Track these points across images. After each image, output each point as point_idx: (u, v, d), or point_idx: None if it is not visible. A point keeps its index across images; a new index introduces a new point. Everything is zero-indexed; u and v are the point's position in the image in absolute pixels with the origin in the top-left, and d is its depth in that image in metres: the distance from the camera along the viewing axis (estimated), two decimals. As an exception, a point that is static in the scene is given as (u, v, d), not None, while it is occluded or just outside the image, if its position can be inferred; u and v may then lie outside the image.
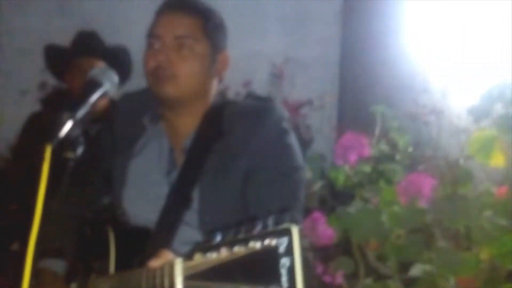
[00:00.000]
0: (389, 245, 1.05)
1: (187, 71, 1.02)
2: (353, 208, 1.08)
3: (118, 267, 0.95)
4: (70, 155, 0.77)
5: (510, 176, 0.95)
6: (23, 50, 2.82)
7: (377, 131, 1.89)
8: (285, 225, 0.65)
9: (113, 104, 1.18)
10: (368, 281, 1.07)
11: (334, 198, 1.48)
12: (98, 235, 1.02)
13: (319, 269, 1.06)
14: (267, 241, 0.64)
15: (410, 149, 1.63)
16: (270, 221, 0.66)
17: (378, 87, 2.55)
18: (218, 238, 0.68)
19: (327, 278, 1.06)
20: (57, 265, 1.06)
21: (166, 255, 0.80)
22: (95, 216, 1.07)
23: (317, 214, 1.07)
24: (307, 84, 3.12)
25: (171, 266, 0.75)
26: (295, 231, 0.64)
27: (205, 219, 1.00)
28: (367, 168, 1.83)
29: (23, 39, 2.97)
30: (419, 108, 1.32)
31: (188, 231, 1.00)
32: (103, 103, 1.37)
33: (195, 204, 1.01)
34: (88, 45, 1.75)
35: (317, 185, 1.76)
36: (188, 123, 1.06)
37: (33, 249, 0.68)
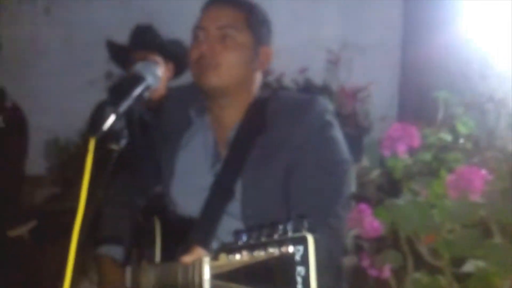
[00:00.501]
0: (441, 240, 1.01)
1: (230, 60, 1.03)
2: (402, 200, 1.04)
3: (164, 255, 0.99)
4: (114, 147, 0.80)
5: None
6: (89, 42, 2.98)
7: (439, 117, 1.81)
8: (301, 233, 0.65)
9: (164, 96, 1.23)
10: (418, 275, 1.04)
11: (392, 188, 1.44)
12: (148, 223, 1.07)
13: (365, 262, 1.05)
14: (284, 248, 0.65)
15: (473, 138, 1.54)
16: (289, 226, 0.66)
17: (440, 73, 2.43)
18: (243, 239, 0.70)
19: (373, 272, 1.04)
20: (115, 251, 1.12)
21: (198, 252, 0.82)
22: (147, 205, 1.12)
23: (363, 206, 1.05)
24: (365, 70, 3.04)
25: (199, 264, 0.77)
26: (310, 239, 0.64)
27: (247, 211, 1.01)
28: (427, 157, 1.76)
29: (89, 31, 3.14)
30: (476, 97, 1.25)
31: (232, 222, 1.02)
32: (160, 92, 1.42)
33: (237, 196, 1.02)
34: (144, 39, 1.82)
35: (375, 174, 1.72)
36: (232, 116, 1.08)
37: (78, 238, 0.73)
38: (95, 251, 1.12)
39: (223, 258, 0.72)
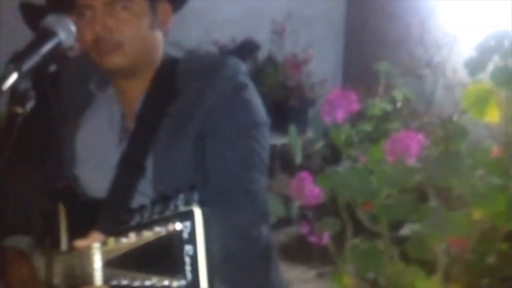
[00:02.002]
0: (378, 205, 1.02)
1: (131, 36, 0.93)
2: (341, 167, 1.04)
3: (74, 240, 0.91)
4: (18, 110, 0.72)
5: (504, 132, 0.90)
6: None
7: (380, 89, 1.83)
8: (187, 208, 0.58)
9: (64, 64, 1.11)
10: (356, 241, 1.05)
11: (335, 156, 1.44)
12: (54, 209, 0.98)
13: (305, 229, 1.04)
14: (171, 226, 0.58)
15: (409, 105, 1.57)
16: (180, 200, 0.59)
17: (381, 42, 2.46)
18: (135, 219, 0.63)
19: (313, 239, 1.03)
20: (22, 242, 1.03)
21: (94, 236, 0.75)
22: (54, 189, 1.03)
23: (304, 174, 1.04)
24: (310, 41, 3.03)
25: (89, 251, 0.71)
26: (197, 213, 0.58)
27: (159, 187, 0.93)
28: (368, 127, 1.78)
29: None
30: (414, 61, 1.26)
31: (144, 201, 0.91)
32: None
33: (148, 172, 0.94)
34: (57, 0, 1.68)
35: (319, 145, 1.72)
36: (139, 86, 0.99)
37: None
38: (0, 243, 1.02)
39: (111, 242, 0.66)
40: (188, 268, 0.57)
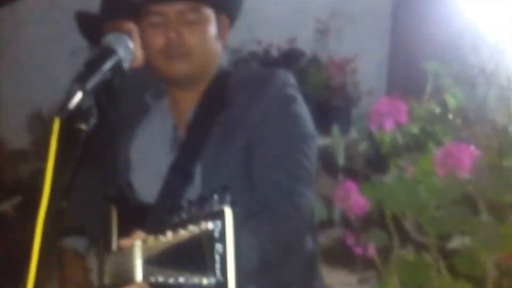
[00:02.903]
0: (427, 217, 1.00)
1: (201, 45, 0.97)
2: (388, 177, 1.02)
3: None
4: (82, 126, 0.75)
5: None
6: (73, 11, 2.89)
7: (428, 89, 1.78)
8: (219, 207, 0.60)
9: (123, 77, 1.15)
10: (403, 253, 1.03)
11: (380, 162, 1.42)
12: (107, 212, 1.02)
13: (350, 240, 1.03)
14: (203, 225, 0.60)
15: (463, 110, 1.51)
16: (214, 201, 0.61)
17: (430, 43, 2.38)
18: (175, 219, 0.65)
19: (358, 250, 1.03)
20: (78, 243, 1.08)
21: (137, 235, 0.77)
22: (110, 194, 1.07)
23: (349, 183, 1.03)
24: (355, 40, 2.98)
25: (131, 248, 0.74)
26: (228, 213, 0.60)
27: (206, 195, 0.97)
28: (414, 129, 1.74)
29: (74, 1, 3.02)
30: (467, 68, 1.21)
31: None
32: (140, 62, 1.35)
33: (196, 180, 0.97)
34: (115, 7, 1.74)
35: (363, 146, 1.70)
36: (192, 96, 1.02)
37: (43, 227, 0.69)
38: (58, 244, 1.08)
39: (151, 240, 0.69)
40: (217, 266, 0.59)
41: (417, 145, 1.30)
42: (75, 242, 1.08)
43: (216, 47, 1.01)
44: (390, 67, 3.12)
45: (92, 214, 1.08)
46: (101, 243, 1.03)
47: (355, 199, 1.02)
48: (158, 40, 0.97)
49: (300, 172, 0.96)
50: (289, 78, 1.01)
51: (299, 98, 1.01)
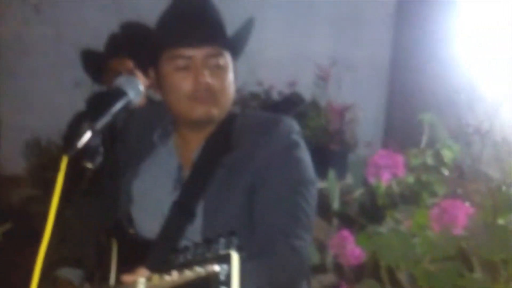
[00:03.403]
0: (421, 270, 1.00)
1: (226, 91, 1.01)
2: (384, 228, 1.03)
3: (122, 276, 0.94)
4: (88, 165, 0.77)
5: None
6: (78, 43, 2.96)
7: (423, 140, 1.81)
8: (225, 251, 0.62)
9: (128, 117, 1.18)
10: (396, 305, 1.03)
11: (375, 207, 1.43)
12: (107, 245, 1.03)
13: (344, 290, 1.03)
14: (209, 267, 0.62)
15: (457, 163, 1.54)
16: (220, 244, 0.64)
17: (427, 96, 2.45)
18: (179, 258, 0.67)
19: (351, 300, 1.02)
20: (73, 274, 1.08)
21: (140, 272, 0.79)
22: (110, 227, 1.08)
23: (345, 233, 1.04)
24: (354, 87, 3.05)
25: (134, 285, 0.74)
26: (235, 258, 0.62)
27: (207, 235, 0.95)
28: (410, 179, 1.76)
29: (78, 31, 3.10)
30: (463, 126, 1.25)
31: None
32: (141, 102, 1.39)
33: (198, 219, 0.98)
34: (120, 46, 1.79)
35: (358, 192, 1.71)
36: (200, 137, 1.04)
37: (44, 258, 0.69)
38: (54, 273, 1.07)
39: (155, 278, 0.69)
40: None
41: (412, 195, 1.31)
42: (70, 273, 1.08)
43: (233, 90, 1.05)
44: (387, 116, 3.18)
45: (89, 245, 1.09)
46: (97, 276, 1.03)
47: (350, 248, 1.03)
48: (186, 83, 0.99)
49: (300, 216, 0.98)
50: (294, 125, 1.04)
51: (302, 145, 1.04)
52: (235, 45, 1.04)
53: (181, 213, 0.98)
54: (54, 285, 1.06)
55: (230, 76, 1.03)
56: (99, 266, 1.03)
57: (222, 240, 0.64)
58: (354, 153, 2.93)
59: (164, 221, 0.99)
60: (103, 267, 1.01)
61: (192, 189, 1.00)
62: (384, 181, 1.00)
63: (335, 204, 1.42)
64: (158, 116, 1.06)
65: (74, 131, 0.77)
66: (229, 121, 1.05)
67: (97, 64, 1.82)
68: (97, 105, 0.83)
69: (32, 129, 3.08)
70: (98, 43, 2.00)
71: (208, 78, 0.99)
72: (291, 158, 1.00)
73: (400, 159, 0.97)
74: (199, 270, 0.63)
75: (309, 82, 3.05)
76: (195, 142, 1.04)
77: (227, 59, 1.02)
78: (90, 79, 2.85)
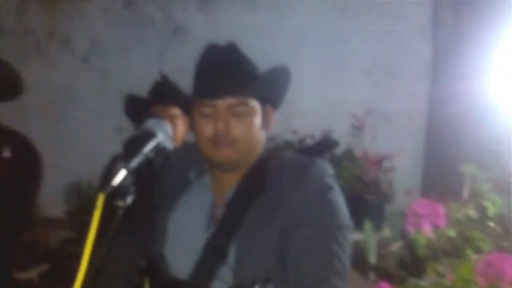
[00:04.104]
0: (467, 329, 0.94)
1: (246, 135, 1.04)
2: (426, 282, 0.99)
3: None
4: (120, 203, 0.79)
5: None
6: (123, 92, 3.11)
7: (465, 193, 1.75)
8: None
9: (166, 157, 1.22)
10: None
11: (415, 263, 1.37)
12: (139, 284, 1.03)
13: None
14: None
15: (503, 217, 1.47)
16: None
17: (467, 147, 2.39)
18: None
19: None
20: None
21: None
22: (143, 265, 1.09)
23: (384, 285, 1.00)
24: (390, 137, 3.02)
25: None
26: None
27: (239, 275, 0.96)
28: (452, 233, 1.69)
29: (123, 81, 3.25)
30: (507, 176, 1.21)
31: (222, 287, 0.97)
32: (177, 145, 1.43)
33: (230, 259, 0.98)
34: (163, 94, 1.87)
35: (396, 246, 1.65)
36: (234, 177, 1.07)
37: None
38: None
39: None
40: None
41: (453, 249, 1.26)
42: None
43: (260, 135, 1.07)
44: (425, 167, 3.11)
45: (123, 284, 1.10)
46: None
47: (389, 302, 0.98)
48: (208, 129, 1.05)
49: (334, 262, 0.95)
50: (328, 168, 1.05)
51: (336, 188, 1.03)
52: (261, 93, 1.06)
53: (213, 253, 0.99)
54: None
55: (256, 121, 1.05)
56: None
57: (258, 286, 0.64)
58: (390, 204, 2.86)
59: (197, 261, 1.00)
60: None
61: (225, 228, 1.01)
62: (424, 231, 0.97)
63: (372, 258, 1.37)
64: (195, 156, 1.10)
65: (110, 171, 0.80)
66: (263, 163, 1.06)
67: (139, 109, 1.90)
68: (130, 147, 0.86)
69: (74, 173, 3.19)
70: (141, 92, 2.10)
71: (229, 125, 1.03)
72: (324, 201, 1.00)
73: (441, 208, 0.94)
74: None
75: (344, 131, 3.04)
76: (229, 182, 1.07)
77: (252, 106, 1.05)
78: (131, 125, 2.96)
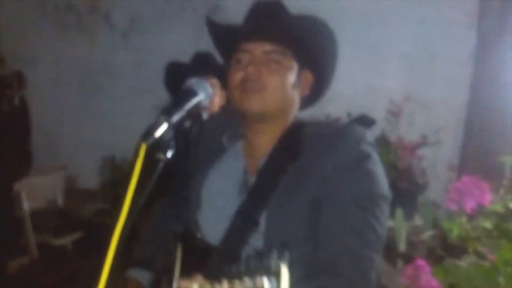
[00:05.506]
0: (505, 311, 0.91)
1: (275, 84, 0.99)
2: (465, 262, 0.96)
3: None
4: (161, 157, 0.79)
5: None
6: (159, 69, 3.15)
7: (504, 183, 1.69)
8: (276, 264, 0.62)
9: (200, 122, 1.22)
10: None
11: (445, 251, 1.35)
12: (173, 249, 1.03)
13: (417, 323, 0.96)
14: (258, 280, 0.62)
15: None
16: (272, 257, 0.63)
17: (507, 138, 2.31)
18: (233, 269, 0.67)
19: (425, 335, 0.95)
20: (143, 276, 1.09)
21: (197, 279, 0.78)
22: (178, 230, 1.08)
23: (421, 262, 0.98)
24: (427, 125, 2.95)
25: None
26: (284, 271, 0.61)
27: (270, 243, 0.94)
28: (487, 224, 1.64)
29: (160, 58, 3.29)
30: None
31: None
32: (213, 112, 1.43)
33: (261, 227, 0.96)
34: (203, 64, 1.88)
35: (427, 234, 1.62)
36: (266, 142, 1.03)
37: (114, 257, 0.71)
38: (124, 272, 1.09)
39: (207, 286, 0.70)
40: None
41: (488, 241, 1.22)
42: (140, 274, 1.09)
43: (292, 94, 1.02)
44: (462, 158, 3.03)
45: (160, 249, 1.10)
46: (164, 280, 1.04)
47: (426, 280, 0.96)
48: (238, 74, 1.01)
49: (370, 237, 0.92)
50: (366, 135, 0.99)
51: (374, 156, 0.97)
52: (300, 47, 1.00)
53: (245, 221, 0.97)
54: (124, 285, 1.09)
55: (290, 77, 1.00)
56: (166, 269, 1.04)
57: (274, 253, 0.63)
58: (422, 194, 2.80)
59: (228, 228, 0.98)
60: (169, 271, 1.02)
61: (256, 196, 0.98)
62: (467, 209, 0.94)
63: (402, 245, 1.34)
64: (229, 120, 1.07)
65: (152, 125, 0.81)
66: (297, 128, 1.02)
67: (180, 76, 1.91)
68: (172, 103, 0.86)
69: (109, 147, 3.27)
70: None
71: (260, 71, 0.98)
72: (360, 170, 0.94)
73: (486, 186, 0.91)
74: (248, 282, 0.63)
75: (379, 117, 2.99)
76: (262, 147, 1.03)
77: (288, 60, 1.01)
78: (168, 101, 2.97)
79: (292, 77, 1.01)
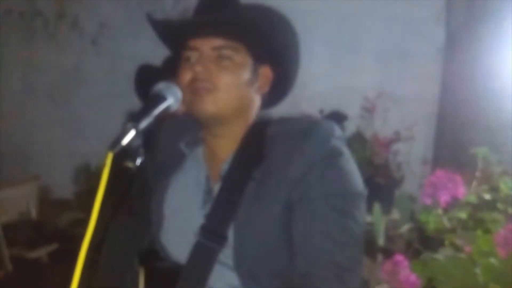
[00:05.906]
0: (483, 301, 0.93)
1: (227, 83, 0.90)
2: (442, 255, 0.97)
3: None
4: (129, 165, 0.77)
5: None
6: (131, 74, 3.09)
7: (477, 175, 1.73)
8: None
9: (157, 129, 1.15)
10: None
11: (422, 244, 1.36)
12: (137, 269, 0.96)
13: (398, 318, 0.97)
14: None
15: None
16: None
17: (478, 130, 2.36)
18: None
19: (406, 330, 0.95)
20: None
21: None
22: (142, 250, 0.99)
23: (399, 257, 0.98)
24: (401, 120, 2.99)
25: None
26: None
27: (240, 259, 0.87)
28: (463, 215, 1.68)
29: (132, 64, 3.23)
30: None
31: (224, 272, 0.88)
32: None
33: (229, 241, 0.88)
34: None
35: (405, 228, 1.64)
36: (227, 146, 0.94)
37: (86, 258, 0.68)
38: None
39: None
40: None
41: (464, 231, 1.24)
42: None
43: (248, 92, 0.93)
44: (435, 151, 3.08)
45: (123, 270, 1.01)
46: None
47: (405, 274, 0.97)
48: (187, 74, 0.92)
49: (349, 241, 0.86)
50: (333, 129, 0.90)
51: (345, 152, 0.90)
52: (253, 39, 0.90)
53: (210, 238, 0.89)
54: None
55: (243, 75, 0.91)
56: None
57: None
58: (399, 188, 2.84)
59: (193, 247, 0.90)
60: None
61: (221, 208, 0.89)
62: (442, 203, 0.95)
63: (381, 240, 1.35)
64: (188, 124, 0.97)
65: (120, 132, 0.78)
66: (259, 128, 0.93)
67: (151, 79, 1.87)
68: (140, 109, 0.82)
69: (83, 155, 3.20)
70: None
71: (209, 69, 0.90)
72: (331, 168, 0.86)
73: (459, 179, 0.92)
74: None
75: (354, 115, 3.02)
76: (224, 152, 0.94)
77: (241, 56, 0.91)
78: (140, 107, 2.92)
79: (246, 74, 0.92)
